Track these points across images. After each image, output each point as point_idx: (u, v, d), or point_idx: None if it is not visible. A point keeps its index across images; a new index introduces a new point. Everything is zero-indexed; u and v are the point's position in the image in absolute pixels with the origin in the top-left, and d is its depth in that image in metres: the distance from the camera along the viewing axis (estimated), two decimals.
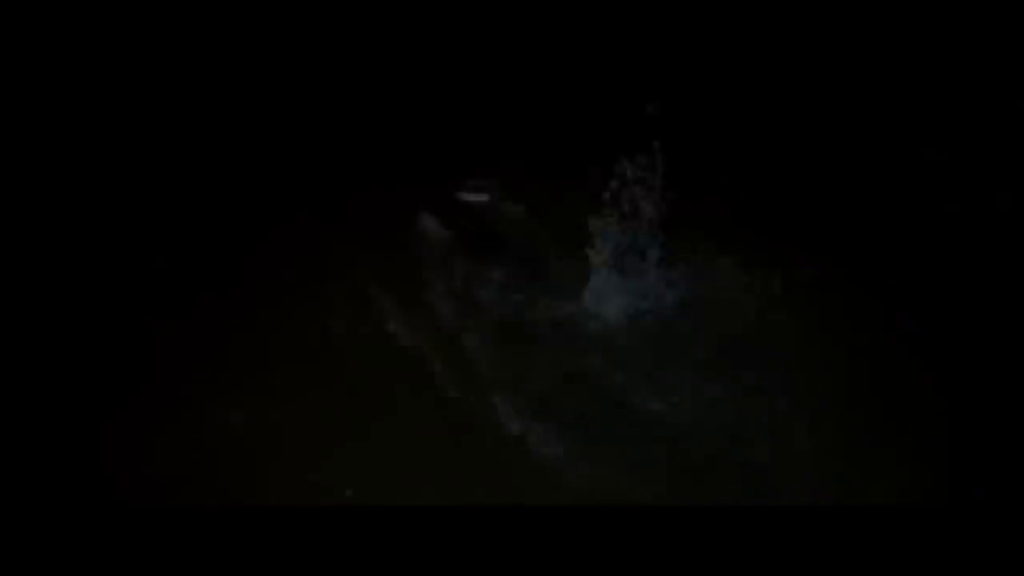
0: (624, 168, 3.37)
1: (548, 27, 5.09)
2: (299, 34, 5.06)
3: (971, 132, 4.33)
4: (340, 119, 4.65)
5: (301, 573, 2.32)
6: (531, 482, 2.76)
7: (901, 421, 2.99)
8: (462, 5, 5.18)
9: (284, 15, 5.08)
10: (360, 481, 2.73)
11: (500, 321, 3.37)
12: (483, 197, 4.00)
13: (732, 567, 2.32)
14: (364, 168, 4.25)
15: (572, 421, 2.95)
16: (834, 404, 3.03)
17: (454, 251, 3.71)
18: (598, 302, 3.40)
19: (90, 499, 2.66)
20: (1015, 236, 3.74)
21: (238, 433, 2.93)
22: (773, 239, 3.76)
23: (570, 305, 3.40)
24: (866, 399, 3.07)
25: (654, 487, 2.73)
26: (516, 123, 4.51)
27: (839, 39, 4.88)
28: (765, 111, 4.60)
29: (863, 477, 2.78)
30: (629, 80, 4.71)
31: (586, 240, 3.42)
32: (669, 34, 5.06)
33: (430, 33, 5.11)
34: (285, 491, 2.72)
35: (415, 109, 4.67)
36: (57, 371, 3.15)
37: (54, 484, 2.74)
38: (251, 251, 3.78)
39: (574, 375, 3.14)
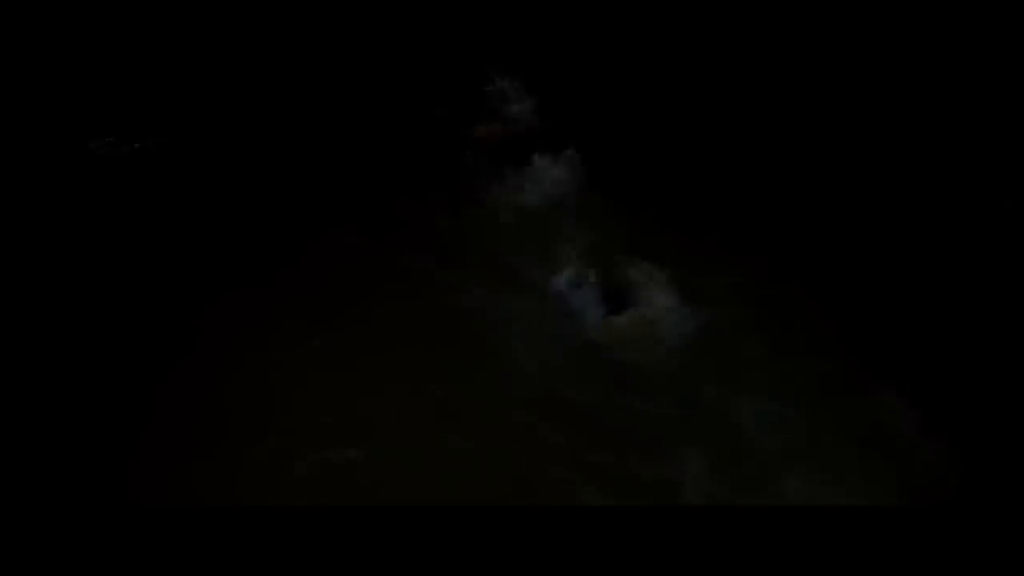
0: None
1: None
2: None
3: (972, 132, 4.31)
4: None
5: (301, 572, 2.31)
6: None
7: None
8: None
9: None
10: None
11: None
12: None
13: (733, 567, 2.31)
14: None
15: None
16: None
17: None
18: None
19: (89, 499, 2.67)
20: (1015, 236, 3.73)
21: (236, 430, 2.94)
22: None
23: None
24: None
25: None
26: None
27: (839, 40, 4.88)
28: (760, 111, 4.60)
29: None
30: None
31: None
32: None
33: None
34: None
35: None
36: (55, 373, 3.16)
37: (53, 484, 2.75)
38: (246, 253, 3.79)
39: None
